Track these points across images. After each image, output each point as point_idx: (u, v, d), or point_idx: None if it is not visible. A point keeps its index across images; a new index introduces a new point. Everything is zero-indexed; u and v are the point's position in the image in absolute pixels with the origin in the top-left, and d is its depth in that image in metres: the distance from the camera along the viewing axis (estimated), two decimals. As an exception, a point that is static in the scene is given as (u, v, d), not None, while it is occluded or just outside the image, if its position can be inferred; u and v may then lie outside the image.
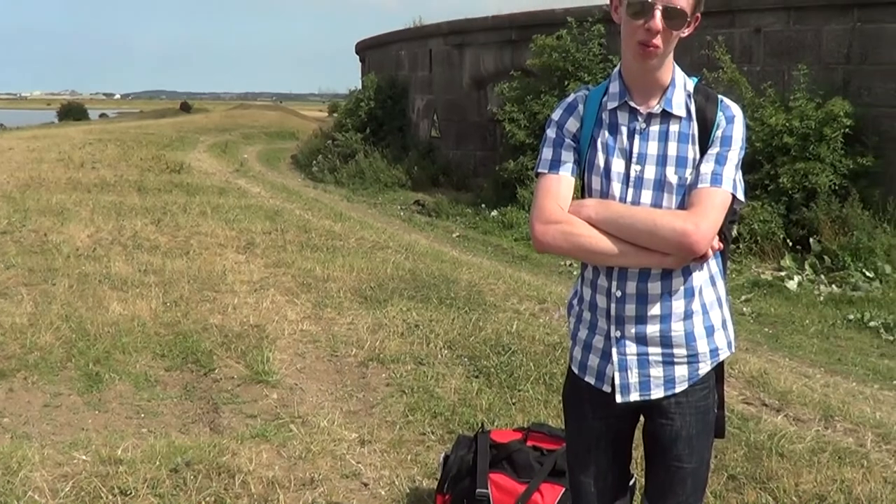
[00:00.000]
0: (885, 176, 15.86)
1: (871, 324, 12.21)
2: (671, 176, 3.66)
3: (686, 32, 3.68)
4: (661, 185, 3.68)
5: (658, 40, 3.57)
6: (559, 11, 22.69)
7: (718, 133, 3.66)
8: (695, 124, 3.68)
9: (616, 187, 3.72)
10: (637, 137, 3.71)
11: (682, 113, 3.69)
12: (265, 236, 16.14)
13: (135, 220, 17.18)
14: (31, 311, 10.55)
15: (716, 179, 3.59)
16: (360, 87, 35.87)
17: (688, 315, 3.74)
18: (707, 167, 3.62)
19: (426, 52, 30.42)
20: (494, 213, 21.32)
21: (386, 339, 9.75)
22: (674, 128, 3.69)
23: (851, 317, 12.54)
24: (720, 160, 3.62)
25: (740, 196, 3.64)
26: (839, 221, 15.13)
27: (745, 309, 12.91)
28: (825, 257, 14.77)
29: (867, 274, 14.03)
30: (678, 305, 3.73)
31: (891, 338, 11.75)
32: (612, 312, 3.78)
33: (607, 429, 3.95)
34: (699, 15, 3.69)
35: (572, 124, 3.82)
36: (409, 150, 29.78)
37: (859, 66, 16.43)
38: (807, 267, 14.68)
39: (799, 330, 12.09)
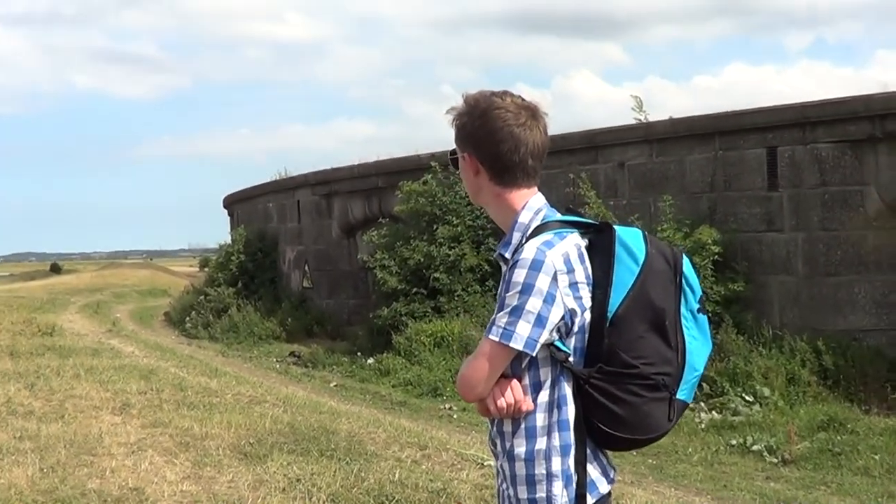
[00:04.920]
0: (757, 300, 16.14)
1: (754, 448, 12.28)
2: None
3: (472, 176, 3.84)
4: None
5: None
6: (424, 156, 22.90)
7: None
8: None
9: None
10: None
11: (508, 256, 3.68)
12: (140, 396, 15.78)
13: (8, 386, 16.70)
14: None
15: (488, 329, 3.57)
16: (229, 240, 35.75)
17: (515, 458, 3.68)
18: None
19: (294, 204, 30.57)
20: (371, 360, 21.10)
21: (268, 495, 9.49)
22: (506, 271, 3.67)
23: (734, 442, 12.61)
24: (500, 306, 3.57)
25: (516, 346, 3.50)
26: (715, 348, 15.19)
27: (628, 441, 12.87)
28: (703, 384, 14.81)
29: (746, 398, 14.13)
30: (509, 445, 3.69)
31: (774, 460, 11.82)
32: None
33: None
34: (467, 155, 3.78)
35: None
36: (282, 302, 29.67)
37: (723, 192, 16.79)
38: (686, 395, 14.70)
39: (683, 458, 12.13)
